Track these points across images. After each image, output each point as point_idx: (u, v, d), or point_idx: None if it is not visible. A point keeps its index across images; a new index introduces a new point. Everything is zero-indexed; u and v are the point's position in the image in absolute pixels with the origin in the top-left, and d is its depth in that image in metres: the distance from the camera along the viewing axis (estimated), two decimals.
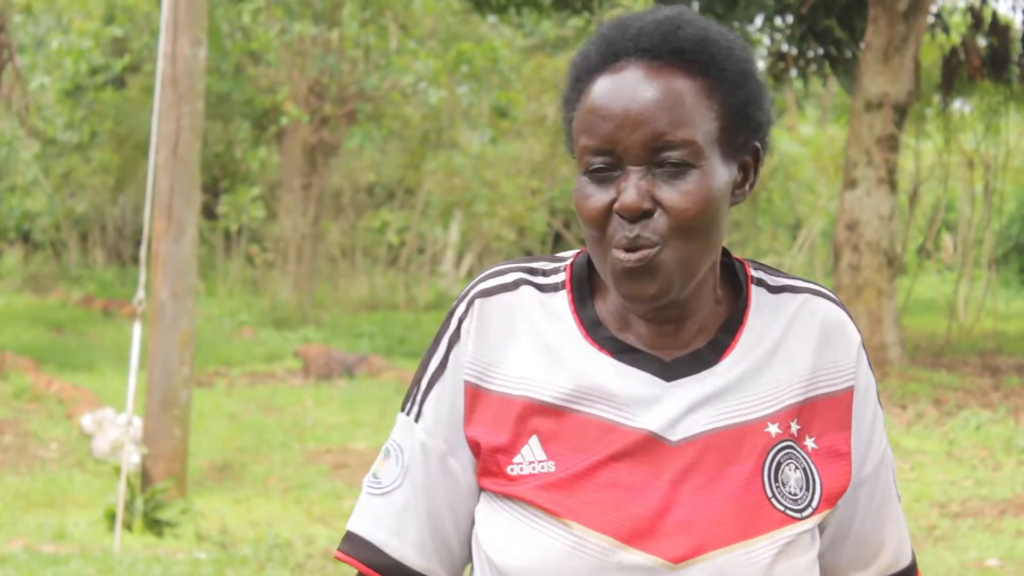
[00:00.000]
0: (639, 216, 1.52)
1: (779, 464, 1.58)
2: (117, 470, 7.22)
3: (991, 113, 14.77)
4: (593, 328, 1.61)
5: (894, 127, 11.83)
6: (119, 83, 20.69)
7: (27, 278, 24.95)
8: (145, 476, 7.82)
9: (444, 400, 1.62)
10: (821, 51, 14.09)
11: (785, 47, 14.27)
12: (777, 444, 1.59)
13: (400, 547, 1.62)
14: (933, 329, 16.38)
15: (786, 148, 20.98)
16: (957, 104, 15.30)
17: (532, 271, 1.65)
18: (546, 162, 19.86)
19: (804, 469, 1.60)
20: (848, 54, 13.83)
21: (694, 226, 1.52)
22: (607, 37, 1.58)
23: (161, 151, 7.71)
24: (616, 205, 1.53)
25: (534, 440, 1.58)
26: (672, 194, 1.52)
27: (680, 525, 1.54)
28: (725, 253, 1.67)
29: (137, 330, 6.90)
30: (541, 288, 1.64)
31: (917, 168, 15.64)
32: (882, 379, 11.22)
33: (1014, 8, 13.80)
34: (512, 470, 1.58)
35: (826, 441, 1.62)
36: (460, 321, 1.63)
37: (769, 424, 1.59)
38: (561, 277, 1.64)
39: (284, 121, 17.57)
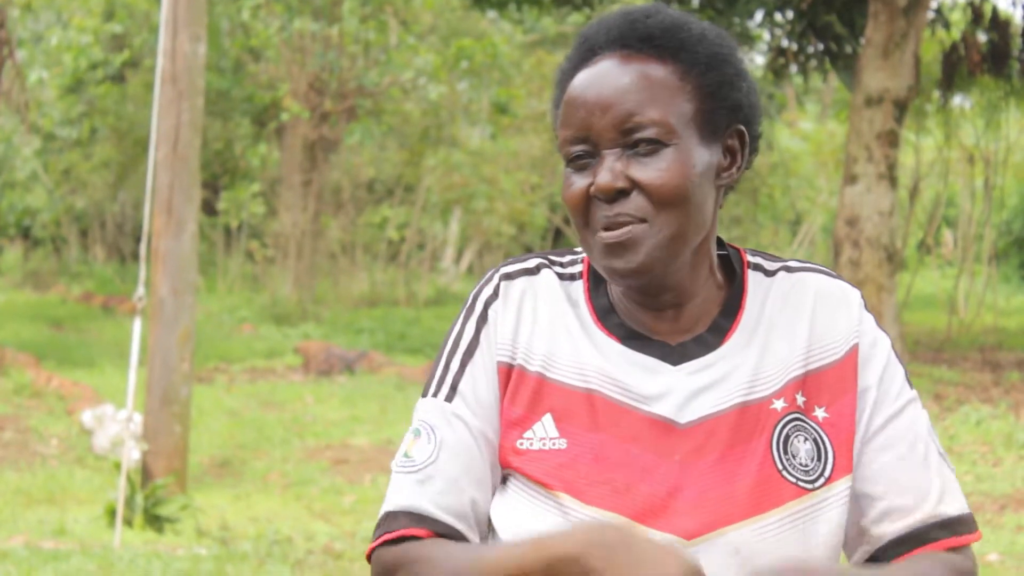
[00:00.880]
0: (615, 196, 1.56)
1: (787, 437, 1.60)
2: (117, 466, 7.23)
3: (991, 108, 14.76)
4: (605, 315, 1.66)
5: (894, 123, 11.82)
6: (118, 78, 20.67)
7: (27, 274, 24.95)
8: (145, 472, 7.82)
9: (479, 380, 1.65)
10: (821, 47, 14.08)
11: (785, 43, 14.25)
12: (784, 417, 1.61)
13: (443, 515, 1.61)
14: (933, 325, 16.38)
15: (786, 144, 20.99)
16: (957, 100, 15.29)
17: (552, 260, 1.71)
18: (546, 158, 19.86)
19: (815, 439, 1.61)
20: (848, 50, 13.82)
21: (672, 201, 1.56)
22: (584, 35, 1.64)
23: (161, 147, 7.70)
24: (592, 188, 1.57)
25: (548, 418, 1.61)
26: (646, 172, 1.56)
27: (692, 503, 1.56)
28: (720, 244, 1.70)
29: (137, 326, 6.90)
30: (561, 276, 1.69)
31: (917, 164, 15.63)
32: None
33: (1014, 3, 13.76)
34: (521, 444, 1.61)
35: (836, 408, 1.63)
36: (487, 303, 1.67)
37: (774, 400, 1.61)
38: (579, 268, 1.70)
39: (284, 117, 17.56)
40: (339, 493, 8.22)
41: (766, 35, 15.39)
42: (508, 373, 1.64)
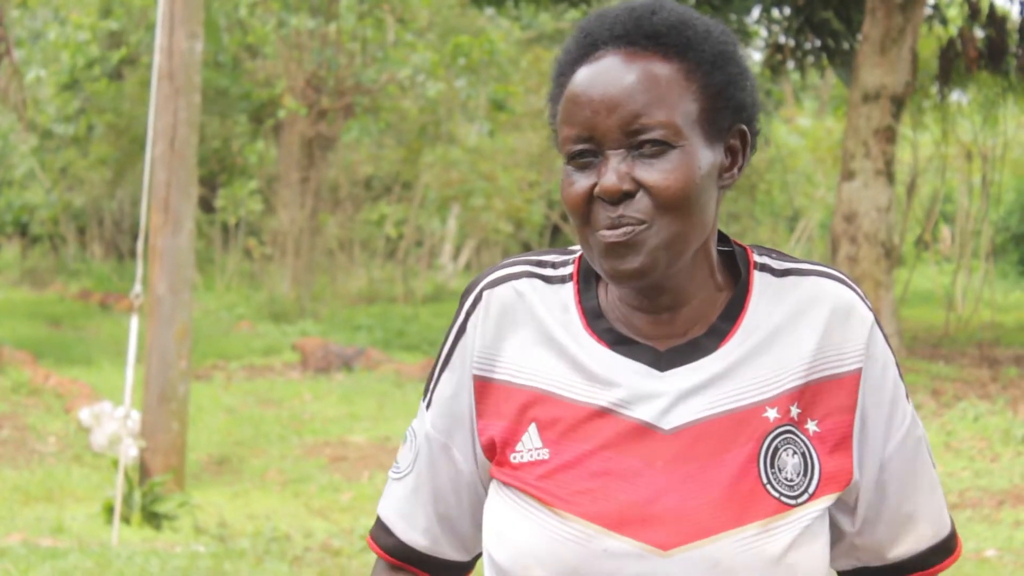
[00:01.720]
0: (620, 198, 1.53)
1: (776, 449, 1.57)
2: (115, 464, 7.23)
3: (989, 104, 14.77)
4: (594, 319, 1.62)
5: (892, 118, 11.82)
6: (116, 76, 20.66)
7: (25, 272, 24.96)
8: (143, 469, 7.82)
9: (448, 391, 1.65)
10: (818, 43, 14.08)
11: (782, 39, 14.25)
12: (775, 429, 1.58)
13: (407, 530, 1.68)
14: (931, 320, 16.39)
15: (784, 140, 20.98)
16: (955, 95, 15.30)
17: (540, 263, 1.67)
18: (543, 155, 19.86)
19: (803, 454, 1.58)
20: (845, 46, 13.82)
21: (677, 205, 1.53)
22: (584, 29, 1.60)
23: (158, 145, 7.70)
24: (596, 189, 1.54)
25: (532, 428, 1.59)
26: (652, 174, 1.53)
27: (671, 512, 1.53)
28: (727, 241, 1.66)
29: (135, 324, 6.90)
30: (548, 280, 1.66)
31: (915, 159, 15.64)
32: None
33: None
34: (514, 458, 1.60)
35: (829, 424, 1.59)
36: (467, 315, 1.65)
37: (767, 409, 1.58)
38: (569, 269, 1.66)
39: (281, 114, 17.56)
40: (337, 490, 8.22)
41: (763, 31, 15.39)
42: (485, 387, 1.63)
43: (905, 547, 1.64)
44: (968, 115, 15.71)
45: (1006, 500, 7.57)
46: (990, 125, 14.97)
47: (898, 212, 14.17)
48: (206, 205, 21.59)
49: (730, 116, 1.59)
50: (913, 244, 19.26)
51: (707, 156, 1.56)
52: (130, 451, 7.70)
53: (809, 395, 1.59)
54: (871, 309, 1.64)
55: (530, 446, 1.59)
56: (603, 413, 1.58)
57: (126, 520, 7.07)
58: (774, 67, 14.32)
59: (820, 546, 1.58)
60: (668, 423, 1.56)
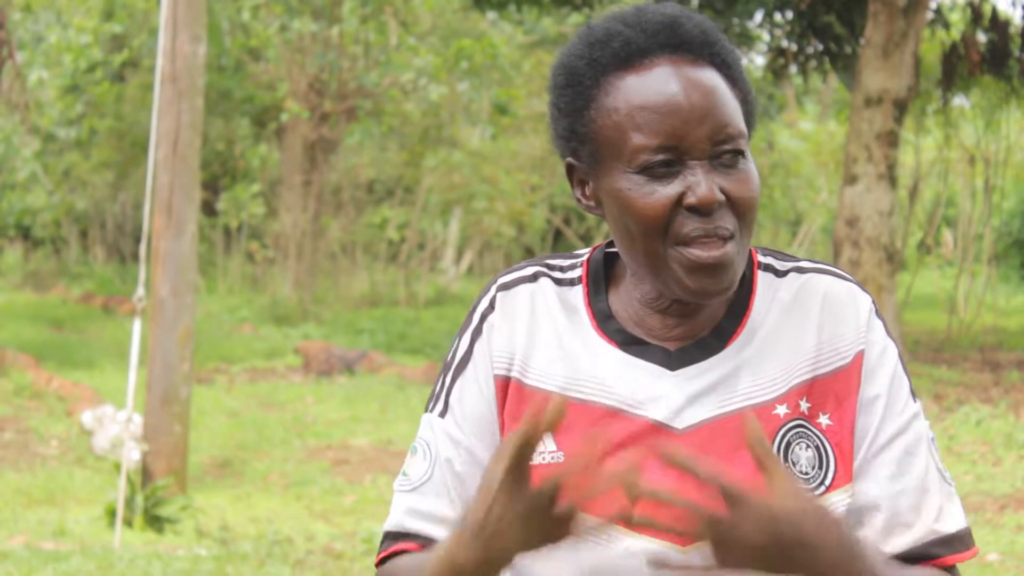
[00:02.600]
0: (716, 208, 1.52)
1: (788, 444, 1.58)
2: (117, 467, 7.22)
3: (991, 109, 14.76)
4: (604, 321, 1.63)
5: (894, 123, 11.82)
6: (118, 79, 20.68)
7: (27, 275, 24.98)
8: (145, 473, 7.82)
9: (469, 393, 1.64)
10: (821, 47, 14.09)
11: (785, 43, 14.26)
12: (786, 424, 1.58)
13: (438, 533, 1.62)
14: (933, 324, 16.38)
15: (786, 144, 20.99)
16: (957, 100, 15.29)
17: (550, 266, 1.68)
18: (546, 158, 19.85)
19: (817, 447, 1.59)
20: (848, 50, 13.83)
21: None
22: (619, 35, 1.56)
23: (161, 148, 7.70)
24: (692, 200, 1.52)
25: None
26: (735, 185, 1.53)
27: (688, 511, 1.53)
28: None
29: (137, 327, 6.90)
30: (559, 282, 1.66)
31: (917, 164, 15.63)
32: None
33: (1014, 3, 13.76)
34: (532, 460, 1.59)
35: (840, 416, 1.60)
36: (483, 316, 1.66)
37: (777, 406, 1.59)
38: (578, 272, 1.67)
39: (284, 118, 17.56)
40: (339, 493, 8.22)
41: (766, 35, 15.40)
42: (506, 386, 1.63)
43: (901, 539, 1.60)
44: (970, 119, 15.70)
45: (1008, 504, 7.57)
46: (992, 129, 14.96)
47: (900, 216, 14.16)
48: (209, 208, 21.61)
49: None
50: (915, 248, 19.25)
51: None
52: (132, 454, 7.70)
53: (818, 390, 1.60)
54: (870, 297, 1.65)
55: (542, 449, 1.59)
56: (616, 414, 1.59)
57: (128, 523, 7.07)
58: (776, 71, 14.33)
59: None
60: (681, 422, 1.58)
